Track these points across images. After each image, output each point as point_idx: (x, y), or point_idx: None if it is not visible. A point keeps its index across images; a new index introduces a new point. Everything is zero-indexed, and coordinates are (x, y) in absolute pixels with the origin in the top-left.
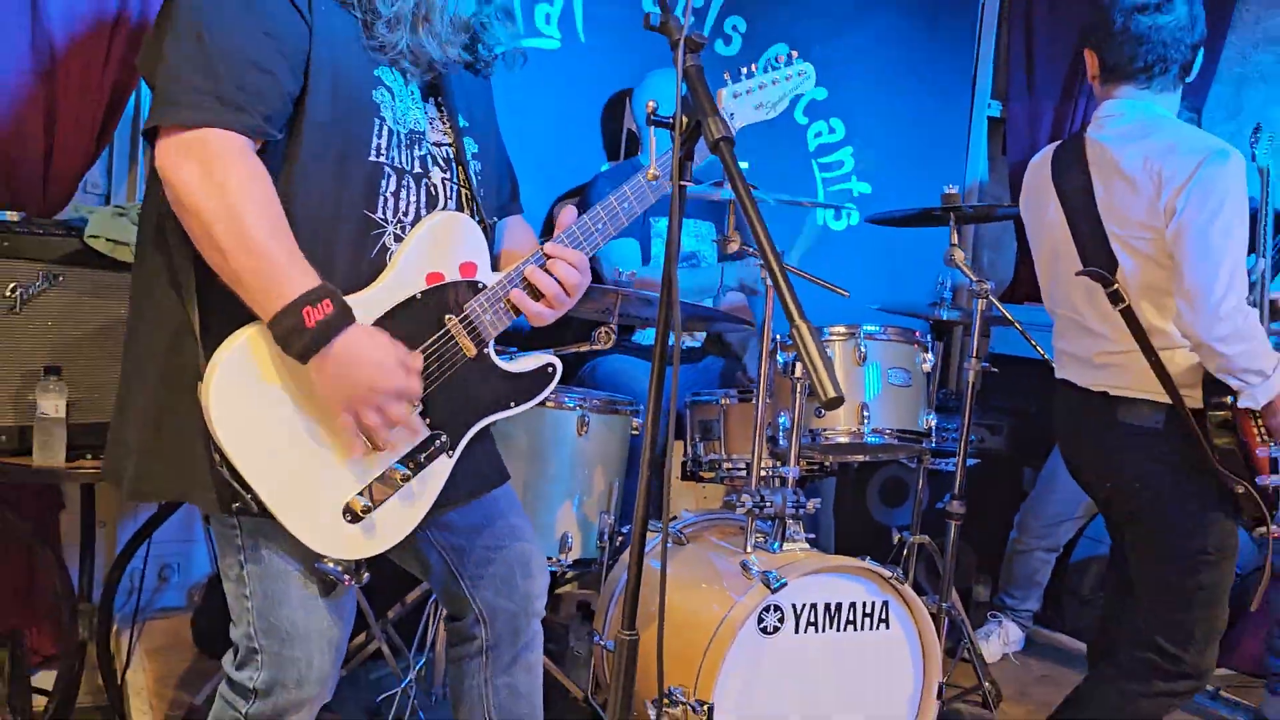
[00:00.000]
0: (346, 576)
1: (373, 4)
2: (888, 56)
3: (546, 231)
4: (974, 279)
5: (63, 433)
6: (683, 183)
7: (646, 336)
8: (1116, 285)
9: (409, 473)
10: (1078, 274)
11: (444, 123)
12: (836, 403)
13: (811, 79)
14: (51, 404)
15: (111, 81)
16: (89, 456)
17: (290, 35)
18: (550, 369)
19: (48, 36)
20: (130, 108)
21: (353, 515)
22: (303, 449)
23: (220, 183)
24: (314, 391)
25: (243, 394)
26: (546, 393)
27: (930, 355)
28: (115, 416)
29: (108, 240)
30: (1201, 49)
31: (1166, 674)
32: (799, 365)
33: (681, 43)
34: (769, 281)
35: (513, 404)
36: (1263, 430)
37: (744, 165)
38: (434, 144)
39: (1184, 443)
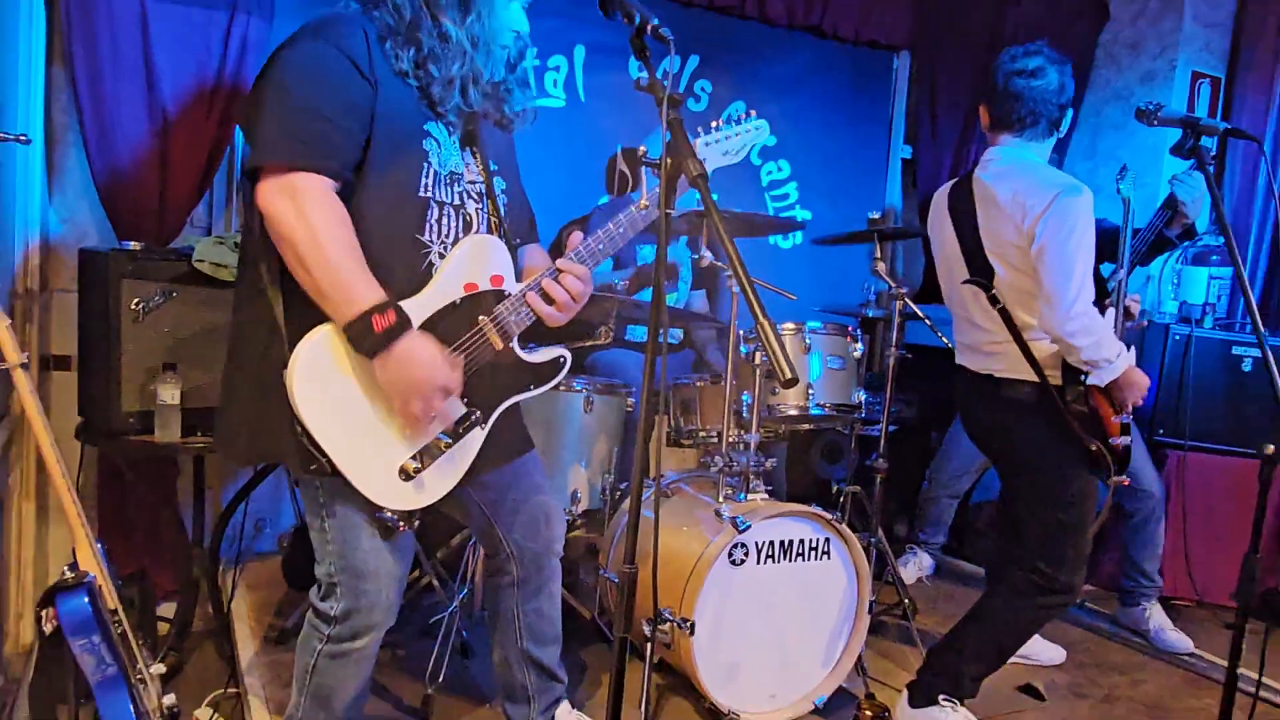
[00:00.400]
0: (401, 523)
1: (430, 75)
2: (824, 111)
3: (554, 251)
4: (893, 285)
5: (178, 416)
6: (668, 210)
7: (636, 333)
8: (994, 291)
9: (450, 441)
10: (964, 282)
11: (478, 165)
12: (793, 382)
13: (765, 131)
14: (169, 393)
15: (210, 137)
16: (198, 434)
17: (359, 98)
18: (561, 360)
19: (161, 104)
20: (225, 158)
21: (406, 475)
22: (365, 422)
23: (307, 216)
24: (375, 379)
25: (317, 378)
26: (558, 379)
27: (859, 345)
28: (223, 401)
29: (210, 263)
30: (1070, 109)
31: (1045, 590)
32: (758, 354)
33: (665, 100)
34: (735, 289)
35: (531, 387)
36: (1113, 402)
37: (714, 197)
38: (469, 182)
39: (1050, 412)
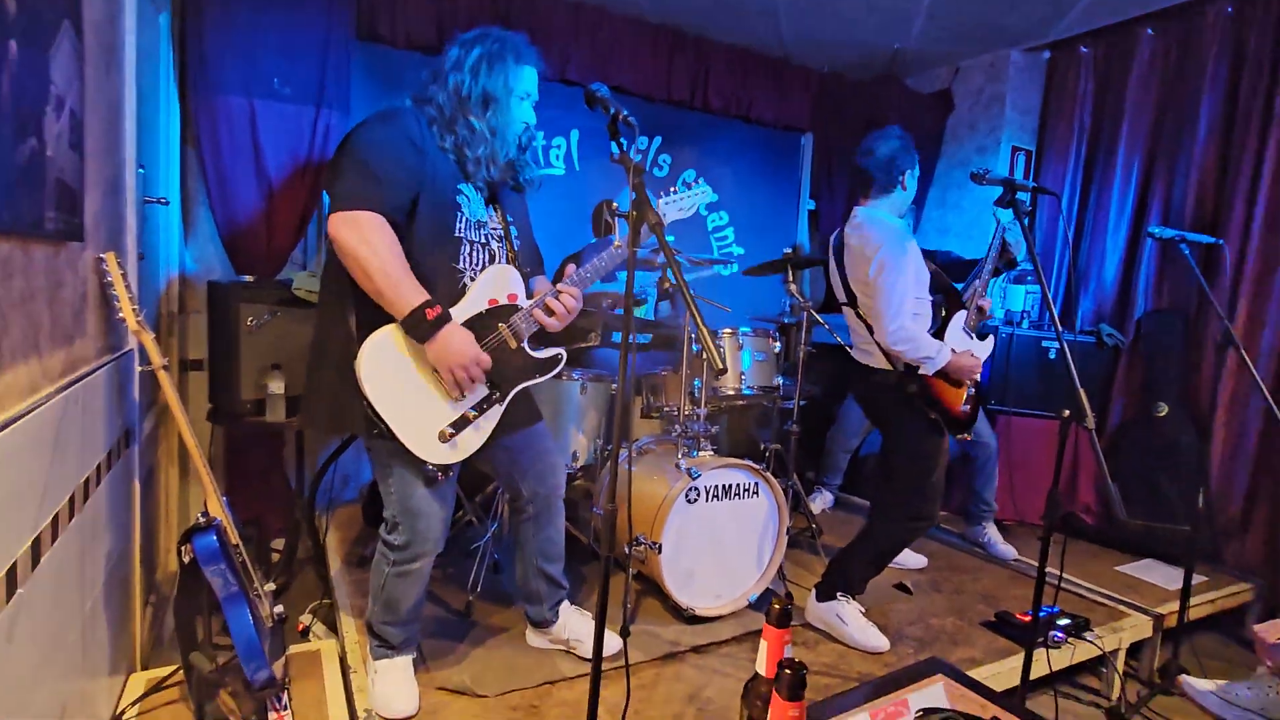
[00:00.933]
0: (439, 474)
1: (464, 155)
2: (752, 175)
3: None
4: (801, 300)
5: (283, 402)
6: (634, 247)
7: (618, 337)
8: (859, 310)
9: (476, 414)
10: (841, 304)
11: (499, 217)
12: (724, 372)
13: (709, 194)
14: (276, 385)
15: (304, 199)
16: (297, 415)
17: (411, 164)
18: (559, 357)
19: (267, 176)
20: (315, 214)
21: (443, 438)
22: (413, 399)
23: (367, 239)
24: (424, 362)
25: (378, 366)
26: (557, 370)
27: (777, 343)
28: (307, 387)
29: (305, 290)
30: (909, 171)
31: (912, 517)
32: (704, 352)
33: (632, 169)
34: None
35: (538, 376)
36: (952, 382)
37: (670, 238)
38: (492, 228)
39: (902, 391)
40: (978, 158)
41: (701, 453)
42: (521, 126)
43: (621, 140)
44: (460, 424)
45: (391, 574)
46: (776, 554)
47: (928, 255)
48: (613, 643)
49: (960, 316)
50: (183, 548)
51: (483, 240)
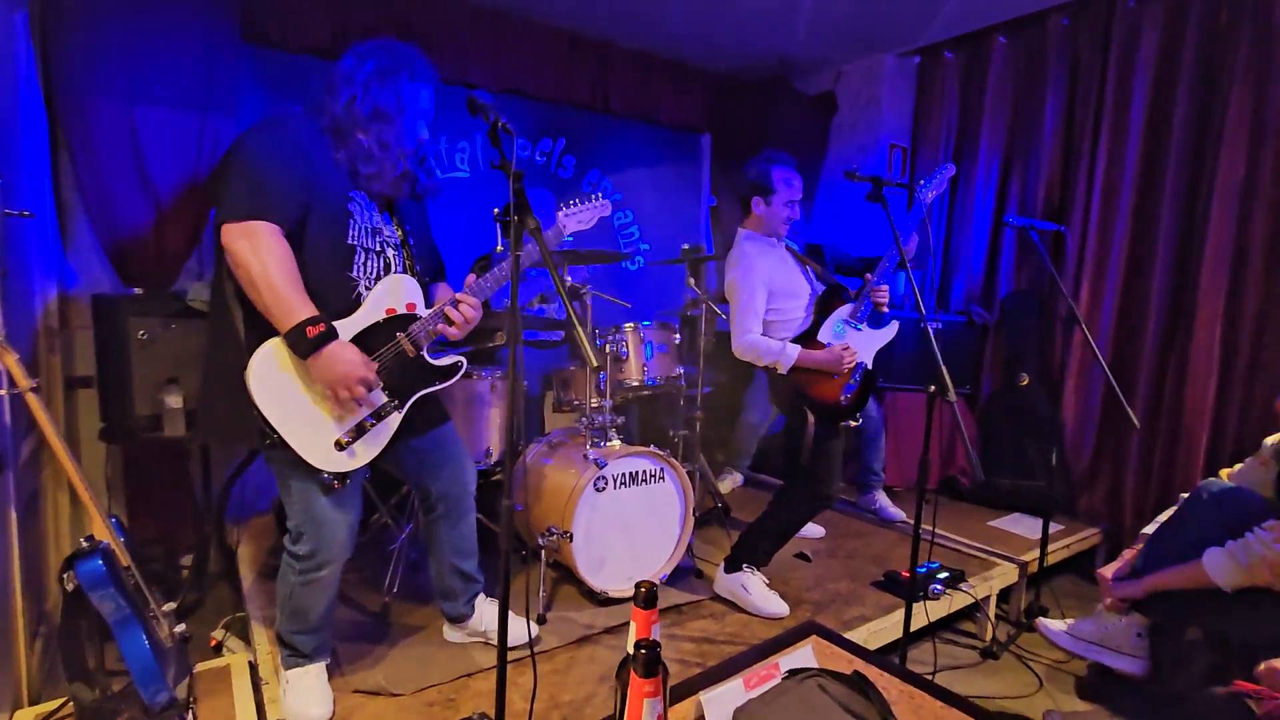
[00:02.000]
0: (336, 482)
1: (356, 168)
2: (655, 174)
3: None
4: (701, 293)
5: (181, 415)
6: (517, 252)
7: (526, 335)
8: None
9: (374, 421)
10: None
11: (395, 225)
12: (599, 369)
13: (609, 207)
14: (174, 399)
15: (197, 206)
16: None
17: (299, 173)
18: (459, 365)
19: (152, 185)
20: (210, 220)
21: (339, 446)
22: (306, 408)
23: (259, 252)
24: (311, 376)
25: (267, 377)
26: (456, 378)
27: (677, 335)
28: (200, 396)
29: (201, 301)
30: (768, 196)
31: (811, 496)
32: (608, 346)
33: (511, 176)
34: (590, 300)
35: (437, 383)
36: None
37: (569, 238)
38: (387, 236)
39: (787, 384)
40: (860, 155)
41: (609, 443)
42: (414, 143)
43: (502, 146)
44: (357, 432)
45: (298, 583)
46: (684, 534)
47: (814, 252)
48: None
49: (841, 311)
50: (64, 575)
51: (377, 248)
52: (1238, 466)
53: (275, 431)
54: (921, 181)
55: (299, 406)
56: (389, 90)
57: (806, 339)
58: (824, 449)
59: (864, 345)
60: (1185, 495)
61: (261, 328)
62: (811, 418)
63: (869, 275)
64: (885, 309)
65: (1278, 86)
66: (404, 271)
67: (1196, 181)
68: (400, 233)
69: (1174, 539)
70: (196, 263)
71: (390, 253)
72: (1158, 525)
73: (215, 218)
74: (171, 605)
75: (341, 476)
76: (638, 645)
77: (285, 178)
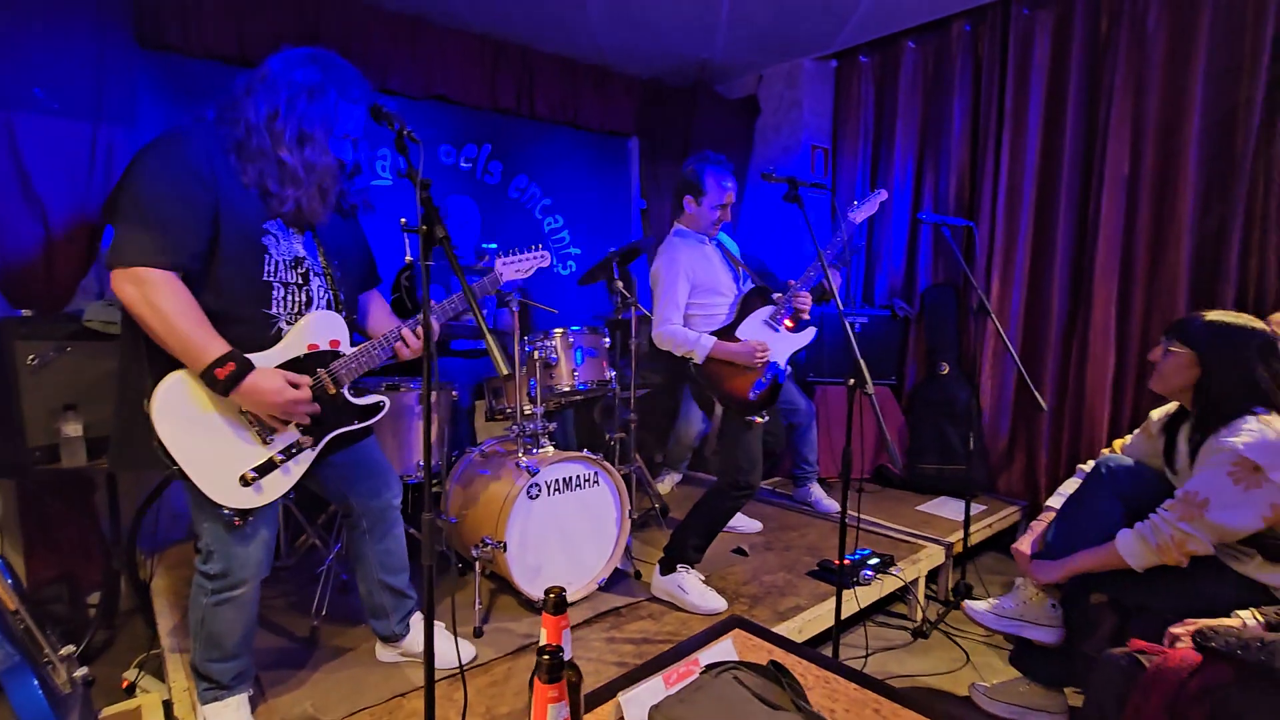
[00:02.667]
0: (236, 519)
1: (268, 190)
2: (584, 178)
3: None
4: (630, 297)
5: (82, 444)
6: (426, 261)
7: (459, 345)
8: None
9: (284, 458)
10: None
11: (318, 247)
12: (509, 378)
13: (549, 259)
14: (72, 428)
15: (90, 223)
16: (104, 458)
17: (200, 204)
18: (380, 405)
19: (37, 200)
20: (109, 236)
21: (244, 482)
22: (213, 440)
23: (153, 301)
24: (225, 404)
25: (170, 409)
26: (379, 417)
27: (606, 339)
28: (114, 428)
29: (100, 322)
30: (694, 197)
31: (734, 487)
32: (536, 353)
33: (418, 183)
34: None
35: (356, 422)
36: (739, 368)
37: (492, 245)
38: (309, 266)
39: (699, 379)
40: (784, 157)
41: (541, 449)
42: (339, 165)
43: (409, 154)
44: (265, 468)
45: (210, 605)
46: (621, 537)
47: (750, 258)
48: (466, 649)
49: (762, 311)
50: None
51: (297, 281)
52: (1128, 438)
53: (176, 462)
54: (855, 203)
55: (204, 438)
56: (315, 110)
57: (725, 334)
58: (737, 441)
59: (779, 346)
60: (1082, 466)
61: (166, 357)
62: (719, 409)
63: (793, 281)
64: (806, 315)
65: (1153, 87)
66: (329, 305)
67: (1088, 176)
68: (324, 259)
69: (1077, 514)
70: (95, 280)
71: (314, 283)
72: (1061, 498)
73: (106, 258)
74: (70, 648)
75: (244, 513)
76: (540, 651)
77: (182, 213)
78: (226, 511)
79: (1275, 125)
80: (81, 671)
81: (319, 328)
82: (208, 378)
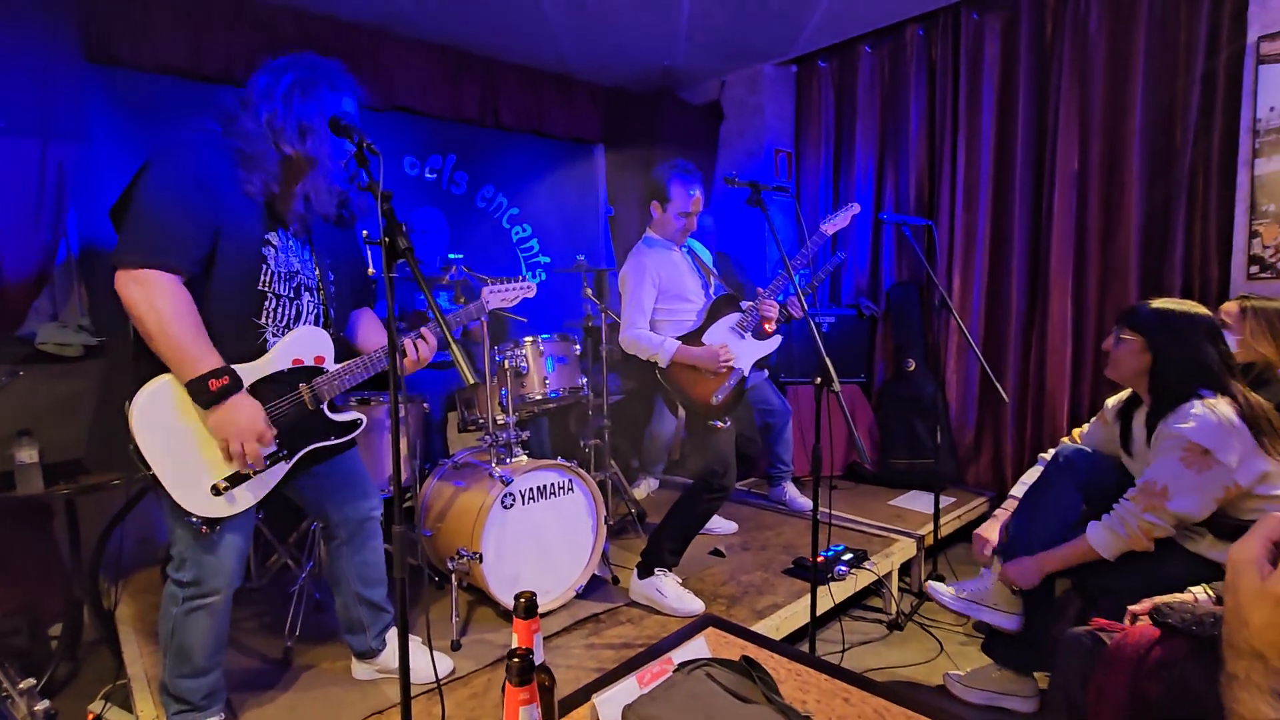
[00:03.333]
0: (203, 527)
1: (272, 195)
2: (551, 187)
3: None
4: (600, 305)
5: (38, 471)
6: (389, 274)
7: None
8: None
9: (257, 470)
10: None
11: (314, 263)
12: (475, 387)
13: (534, 289)
14: (25, 453)
15: (42, 243)
16: (61, 484)
17: (204, 213)
18: (358, 423)
19: None
20: (65, 255)
21: (216, 491)
22: (185, 449)
23: (154, 303)
24: (199, 421)
25: (150, 414)
26: (355, 434)
27: (578, 346)
28: (91, 429)
29: (54, 344)
30: (660, 203)
31: (705, 489)
32: (507, 362)
33: (379, 195)
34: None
35: (332, 438)
36: (703, 373)
37: (458, 256)
38: (304, 278)
39: (664, 380)
40: (748, 160)
41: (514, 458)
42: (343, 155)
43: (369, 166)
44: (237, 479)
45: (180, 614)
46: (598, 543)
47: (720, 261)
48: (443, 663)
49: (730, 318)
50: None
51: (290, 294)
52: (1085, 426)
53: (150, 466)
54: (831, 216)
55: (180, 446)
56: (310, 102)
57: (692, 339)
58: (707, 444)
59: (744, 352)
60: (1043, 455)
61: (152, 358)
62: (682, 413)
63: (761, 290)
64: (771, 325)
65: (1097, 86)
66: (318, 321)
67: (1040, 173)
68: (319, 272)
69: (1038, 503)
70: (49, 302)
71: (305, 298)
72: (1023, 487)
73: (111, 257)
74: (30, 682)
75: (211, 522)
76: (510, 654)
77: (186, 221)
78: (194, 519)
79: (1211, 119)
80: (43, 705)
81: (305, 343)
82: (198, 386)
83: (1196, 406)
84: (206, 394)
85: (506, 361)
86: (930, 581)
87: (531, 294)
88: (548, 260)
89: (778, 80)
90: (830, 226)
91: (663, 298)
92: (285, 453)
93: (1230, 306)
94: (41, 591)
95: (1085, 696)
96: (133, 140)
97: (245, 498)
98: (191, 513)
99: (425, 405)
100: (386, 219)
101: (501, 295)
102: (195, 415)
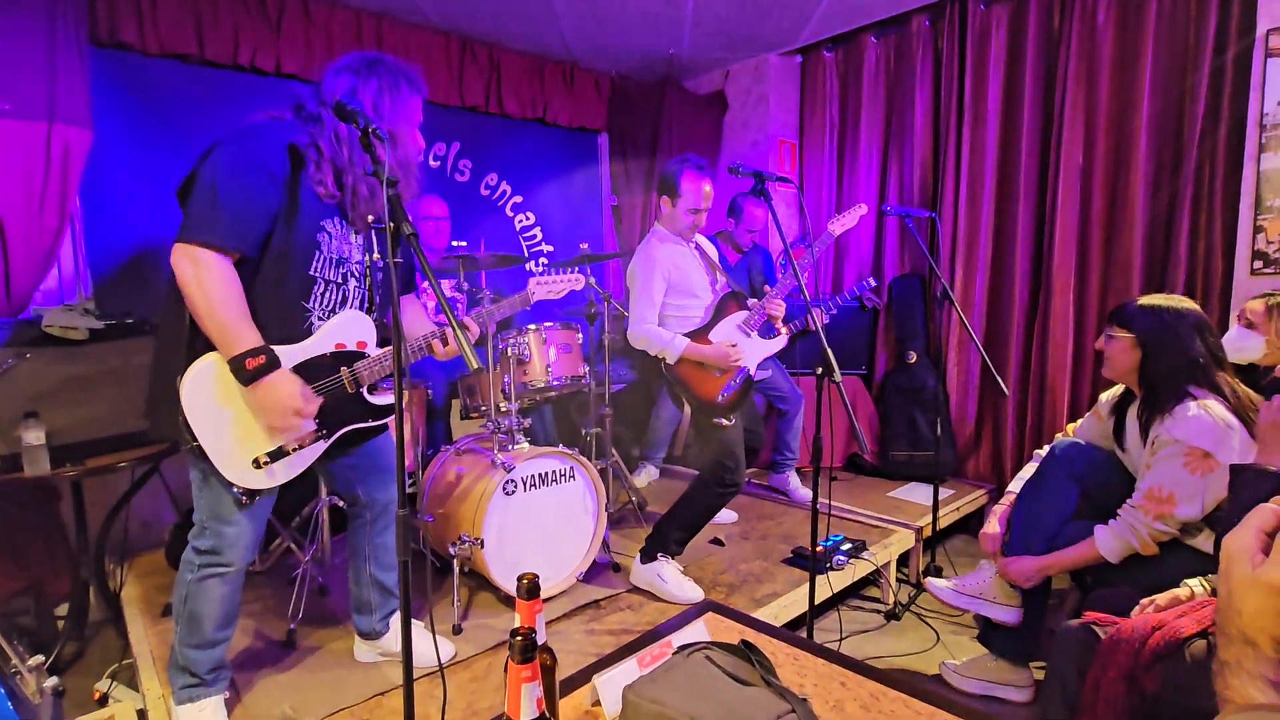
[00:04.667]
0: (244, 498)
1: (341, 195)
2: (554, 175)
3: None
4: (603, 293)
5: (45, 453)
6: (393, 259)
7: None
8: None
9: (297, 447)
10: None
11: (363, 248)
12: (480, 371)
13: (583, 282)
14: (33, 435)
15: (50, 225)
16: (68, 465)
17: (268, 199)
18: (391, 408)
19: None
20: (71, 239)
21: (257, 464)
22: (231, 423)
23: (202, 281)
24: (243, 397)
25: (199, 388)
26: (387, 419)
27: (580, 335)
28: (149, 400)
29: (60, 327)
30: (668, 198)
31: (721, 483)
32: (510, 349)
33: (384, 182)
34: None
35: (370, 420)
36: (710, 369)
37: (462, 243)
38: (353, 265)
39: (671, 376)
40: (752, 151)
41: (516, 446)
42: (418, 154)
43: (375, 152)
44: (277, 454)
45: (194, 580)
46: (599, 530)
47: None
48: (445, 647)
49: (736, 316)
50: None
51: (338, 280)
52: (1080, 421)
53: (196, 438)
54: (838, 217)
55: (226, 420)
56: (398, 108)
57: (699, 336)
58: (715, 439)
59: (751, 350)
60: (1038, 451)
61: (202, 342)
62: (687, 409)
63: (769, 288)
64: (779, 323)
65: (1104, 80)
66: (361, 305)
67: (1045, 166)
68: (366, 259)
69: (1036, 497)
70: (57, 285)
71: (351, 284)
72: (1020, 481)
73: (179, 232)
74: (39, 659)
75: (252, 493)
76: (513, 633)
77: (249, 204)
78: (237, 490)
79: (1218, 115)
80: (51, 682)
81: (348, 328)
82: (236, 364)
83: (1192, 408)
84: (244, 372)
85: (509, 349)
86: (929, 578)
87: (579, 286)
88: (551, 249)
89: (783, 70)
90: (838, 226)
91: (671, 293)
92: (325, 432)
93: (1256, 305)
94: (48, 572)
95: (1081, 687)
96: (136, 124)
97: (283, 472)
98: (233, 483)
99: (429, 391)
100: (392, 204)
101: (549, 287)
102: (238, 392)
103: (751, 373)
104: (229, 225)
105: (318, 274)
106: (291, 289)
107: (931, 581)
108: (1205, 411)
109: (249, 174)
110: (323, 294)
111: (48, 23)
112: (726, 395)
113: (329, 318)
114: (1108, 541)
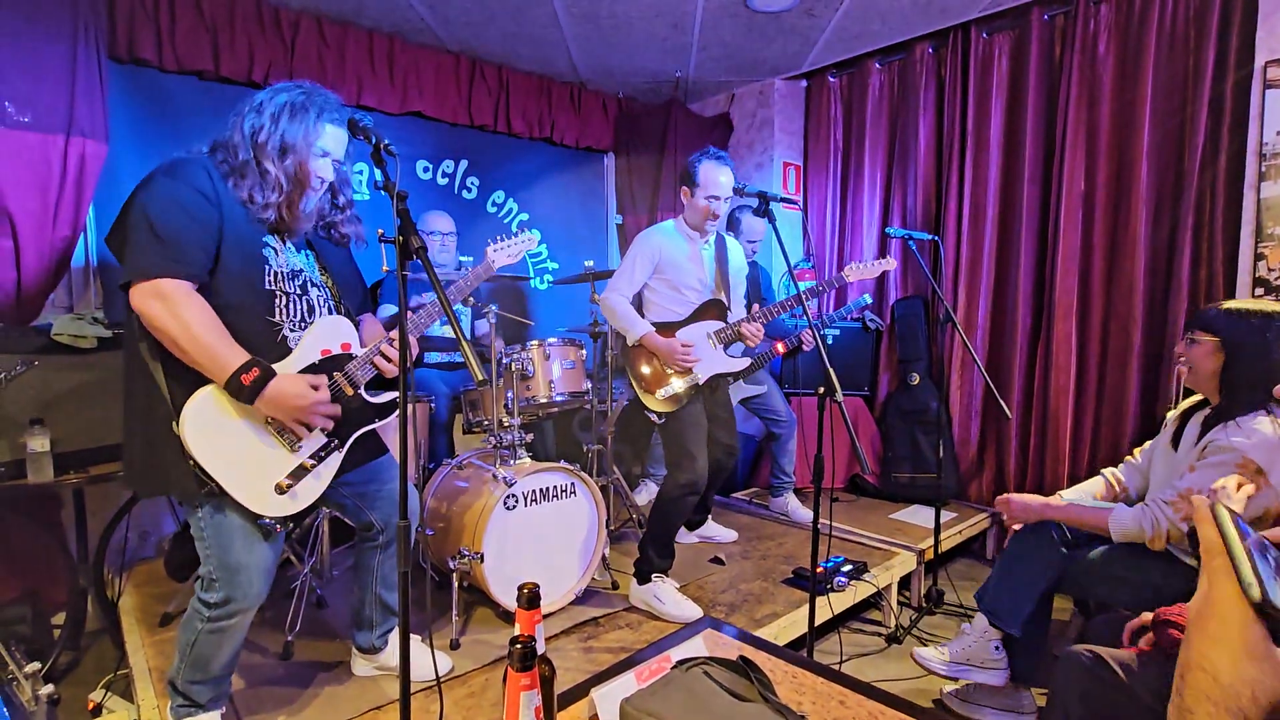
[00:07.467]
0: (278, 526)
1: (256, 202)
2: (561, 194)
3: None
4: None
5: (49, 460)
6: (402, 272)
7: (431, 357)
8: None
9: (315, 462)
10: None
11: (318, 264)
12: (485, 383)
13: (536, 239)
14: (38, 442)
15: (63, 235)
16: (71, 473)
17: (206, 218)
18: (395, 402)
19: (6, 214)
20: (84, 249)
21: (280, 489)
22: (244, 454)
23: (177, 313)
24: (253, 416)
25: (202, 426)
26: (395, 414)
27: (585, 351)
28: (125, 450)
29: (69, 335)
30: (682, 193)
31: (678, 485)
32: (513, 364)
33: (395, 195)
34: (493, 319)
35: (376, 420)
36: (659, 361)
37: (468, 259)
38: (309, 275)
39: (625, 358)
40: (757, 173)
41: (518, 460)
42: (319, 182)
43: (385, 166)
44: (298, 474)
45: (205, 630)
46: (599, 547)
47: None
48: (442, 661)
49: (709, 324)
50: None
51: (298, 290)
52: (1146, 445)
53: (213, 480)
54: (859, 263)
55: (237, 452)
56: (297, 125)
57: (668, 329)
58: (681, 430)
59: (708, 358)
60: (1106, 472)
61: (184, 378)
62: (625, 399)
63: (756, 306)
64: (751, 343)
65: (1105, 107)
66: (332, 310)
67: (1047, 192)
68: (322, 270)
69: (1014, 569)
70: (66, 294)
71: (313, 293)
72: (1078, 492)
73: (121, 277)
74: (36, 666)
75: (283, 520)
76: (512, 641)
77: (191, 227)
78: (267, 520)
79: (1219, 144)
80: (46, 690)
81: (329, 332)
82: (233, 386)
83: (1263, 421)
84: (244, 390)
85: (513, 364)
86: (918, 650)
87: (533, 246)
88: (556, 266)
89: (788, 94)
90: (855, 275)
91: (658, 280)
92: (336, 442)
93: None
94: (46, 579)
95: (1084, 714)
96: (150, 137)
97: (308, 492)
98: (263, 514)
99: (431, 405)
100: (401, 218)
101: (506, 251)
102: (242, 418)
103: (700, 381)
104: (183, 250)
105: (274, 286)
106: (253, 306)
107: (920, 654)
108: (1275, 426)
109: (182, 198)
110: (286, 306)
111: (70, 39)
112: (664, 395)
113: (303, 328)
114: (1122, 521)
